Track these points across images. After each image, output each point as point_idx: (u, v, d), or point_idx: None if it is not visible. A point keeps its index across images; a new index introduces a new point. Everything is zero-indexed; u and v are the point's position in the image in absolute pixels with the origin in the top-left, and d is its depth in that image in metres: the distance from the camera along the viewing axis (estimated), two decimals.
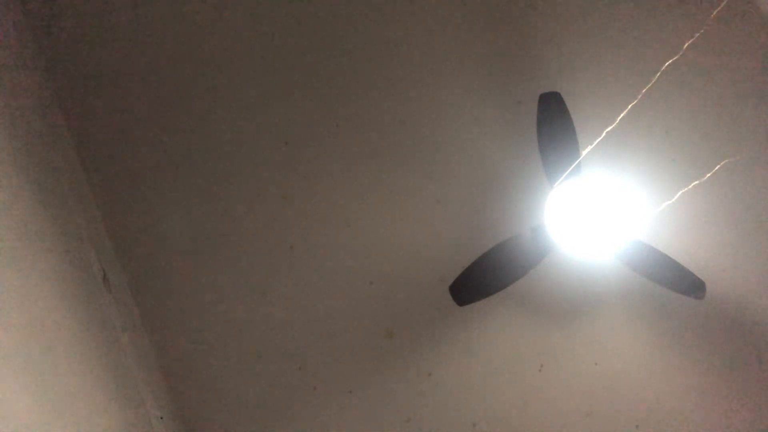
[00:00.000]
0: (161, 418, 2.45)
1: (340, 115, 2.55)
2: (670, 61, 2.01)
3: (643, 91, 2.07)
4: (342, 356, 2.75)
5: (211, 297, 2.63)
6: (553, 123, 2.28)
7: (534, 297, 2.75)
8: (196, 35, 2.42)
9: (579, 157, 2.26)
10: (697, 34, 2.00)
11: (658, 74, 2.04)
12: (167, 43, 2.40)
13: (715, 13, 2.06)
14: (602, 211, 2.25)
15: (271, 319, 2.68)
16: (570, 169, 2.25)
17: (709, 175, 2.14)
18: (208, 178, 2.54)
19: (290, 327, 2.70)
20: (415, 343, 2.77)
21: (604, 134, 2.09)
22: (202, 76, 2.45)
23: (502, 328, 2.78)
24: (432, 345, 2.77)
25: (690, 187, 2.15)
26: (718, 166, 2.14)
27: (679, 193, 2.16)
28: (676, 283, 2.35)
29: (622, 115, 2.07)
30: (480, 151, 2.63)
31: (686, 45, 1.99)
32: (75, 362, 1.82)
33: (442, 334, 2.76)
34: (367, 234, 2.67)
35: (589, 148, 2.18)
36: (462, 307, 2.45)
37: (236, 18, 2.42)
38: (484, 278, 2.39)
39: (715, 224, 2.67)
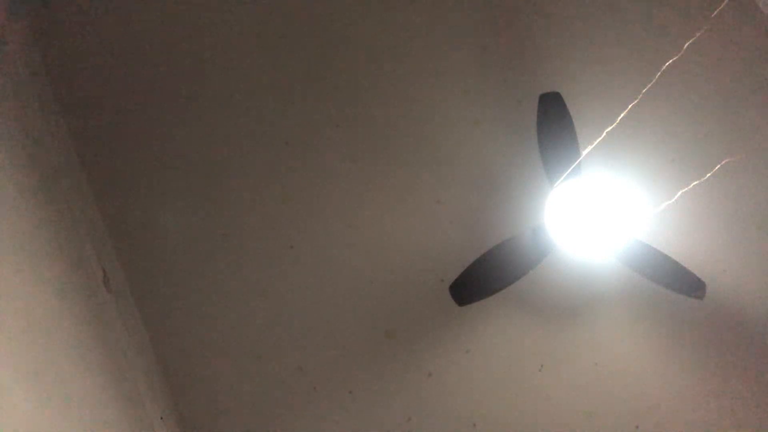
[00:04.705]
0: (161, 418, 2.45)
1: (340, 115, 2.55)
2: (670, 61, 2.00)
3: (643, 91, 2.06)
4: (342, 356, 2.75)
5: (211, 297, 2.63)
6: (553, 123, 2.28)
7: (534, 297, 2.74)
8: (196, 35, 2.42)
9: (579, 157, 2.26)
10: (698, 34, 2.00)
11: (659, 74, 2.03)
12: (167, 43, 2.40)
13: (715, 13, 2.06)
14: (602, 211, 2.25)
15: (271, 319, 2.68)
16: (570, 169, 2.25)
17: (709, 175, 2.13)
18: (209, 178, 2.54)
19: (290, 327, 2.70)
20: (415, 343, 2.76)
21: (604, 134, 2.09)
22: (202, 76, 2.45)
23: (502, 328, 2.78)
24: (432, 345, 2.77)
25: (690, 187, 2.14)
26: (718, 166, 2.14)
27: (679, 193, 2.15)
28: (676, 283, 2.34)
29: (622, 115, 2.07)
30: (480, 151, 2.63)
31: (686, 45, 1.99)
32: (75, 362, 1.82)
33: (442, 334, 2.76)
34: (367, 234, 2.67)
35: (589, 148, 2.17)
36: (462, 307, 2.45)
37: (236, 18, 2.42)
38: (484, 278, 2.38)
39: (715, 224, 2.67)
